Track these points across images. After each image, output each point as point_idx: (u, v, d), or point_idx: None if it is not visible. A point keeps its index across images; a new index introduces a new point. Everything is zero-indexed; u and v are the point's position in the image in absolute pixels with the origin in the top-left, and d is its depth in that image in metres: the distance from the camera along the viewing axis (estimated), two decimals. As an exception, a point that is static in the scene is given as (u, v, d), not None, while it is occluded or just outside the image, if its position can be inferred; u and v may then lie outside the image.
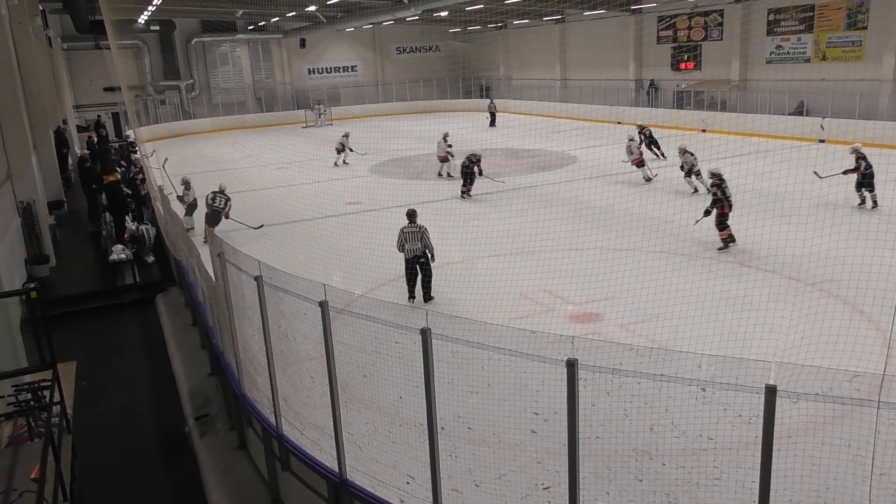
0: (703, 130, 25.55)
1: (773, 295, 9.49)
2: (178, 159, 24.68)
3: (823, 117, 22.99)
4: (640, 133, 20.97)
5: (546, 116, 35.08)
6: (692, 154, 16.12)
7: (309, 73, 43.75)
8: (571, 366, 3.85)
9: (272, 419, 6.17)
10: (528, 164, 22.40)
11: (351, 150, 23.47)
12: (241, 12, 35.37)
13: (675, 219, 13.31)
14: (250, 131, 35.99)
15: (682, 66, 31.52)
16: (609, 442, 5.97)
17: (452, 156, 19.90)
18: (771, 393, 3.41)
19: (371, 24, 37.72)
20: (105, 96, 37.18)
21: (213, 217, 14.30)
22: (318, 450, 5.65)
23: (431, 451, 4.66)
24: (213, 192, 14.51)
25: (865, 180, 13.68)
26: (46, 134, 20.85)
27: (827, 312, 8.14)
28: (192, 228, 14.79)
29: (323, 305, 5.08)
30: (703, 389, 4.71)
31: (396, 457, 5.54)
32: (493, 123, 33.47)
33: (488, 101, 35.72)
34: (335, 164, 23.42)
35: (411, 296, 10.09)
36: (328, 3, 29.66)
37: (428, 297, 10.05)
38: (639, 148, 19.05)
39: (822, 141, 21.91)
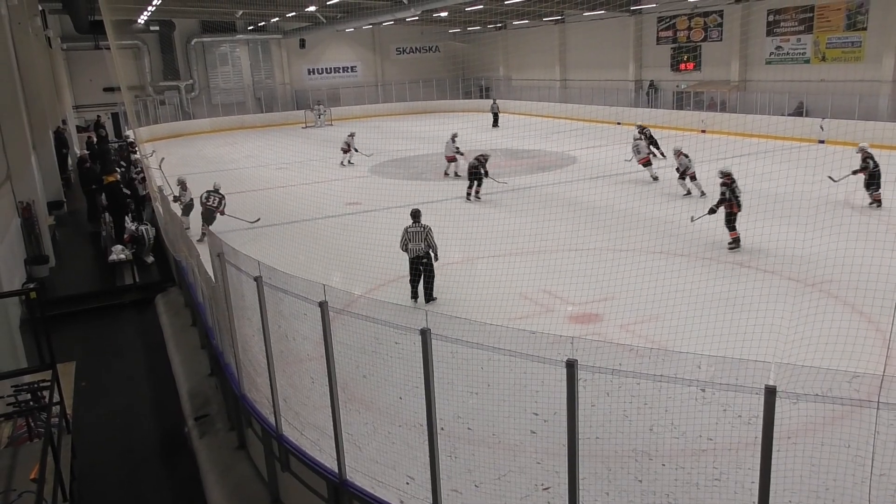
0: (703, 131, 25.55)
1: (772, 295, 9.50)
2: (178, 160, 24.68)
3: (823, 118, 22.99)
4: (640, 133, 20.97)
5: (546, 117, 35.08)
6: (687, 156, 16.08)
7: (309, 73, 43.75)
8: (571, 366, 3.85)
9: (272, 419, 6.17)
10: (528, 165, 22.40)
11: (356, 151, 23.48)
12: (240, 13, 35.38)
13: (674, 219, 13.31)
14: (250, 132, 35.97)
15: (682, 66, 31.53)
16: (609, 442, 5.97)
17: (462, 154, 19.86)
18: (770, 393, 3.41)
19: (371, 24, 37.73)
20: (105, 96, 37.17)
21: (208, 215, 14.35)
22: (318, 450, 5.64)
23: (431, 451, 4.66)
24: (206, 191, 14.57)
25: (873, 179, 13.72)
26: (46, 134, 20.84)
27: (826, 313, 8.13)
28: (188, 228, 14.80)
29: (323, 306, 5.08)
30: (703, 390, 4.71)
31: (396, 457, 5.55)
32: (495, 124, 33.48)
33: (491, 101, 35.72)
34: (342, 163, 23.44)
35: (414, 296, 10.09)
36: (328, 3, 29.65)
37: (429, 297, 10.03)
38: (647, 147, 18.99)
39: (822, 142, 21.92)
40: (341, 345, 5.37)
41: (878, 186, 13.79)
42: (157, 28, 37.99)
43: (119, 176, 18.66)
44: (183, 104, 39.32)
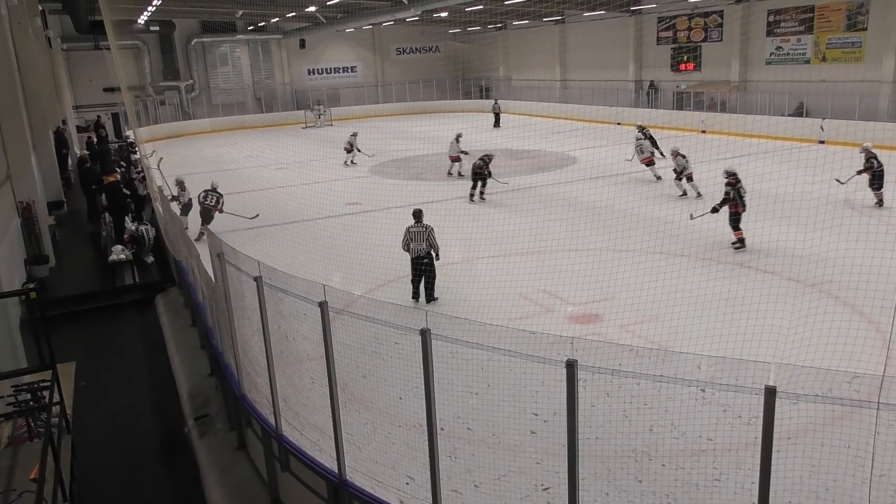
0: (703, 131, 25.56)
1: (772, 296, 9.50)
2: (178, 160, 24.68)
3: (823, 118, 23.00)
4: (641, 133, 20.96)
5: (546, 117, 35.09)
6: (684, 157, 16.07)
7: (309, 73, 43.76)
8: (571, 367, 3.85)
9: (272, 420, 6.16)
10: (528, 165, 22.41)
11: (359, 151, 23.49)
12: (240, 13, 35.39)
13: (674, 219, 13.31)
14: (250, 132, 35.98)
15: (682, 67, 31.54)
16: (608, 443, 5.97)
17: (467, 153, 19.85)
18: (770, 394, 3.41)
19: (371, 24, 37.75)
20: (105, 97, 37.17)
21: (206, 214, 14.37)
22: (318, 450, 5.64)
23: (431, 451, 4.66)
24: (204, 191, 14.64)
25: (877, 179, 13.74)
26: (46, 134, 20.84)
27: (827, 314, 8.13)
28: (187, 228, 14.80)
29: (322, 306, 5.08)
30: (703, 390, 4.71)
31: (396, 457, 5.55)
32: (497, 124, 33.48)
33: (492, 101, 35.72)
34: (345, 163, 23.44)
35: (415, 295, 10.10)
36: (328, 3, 29.66)
37: (430, 297, 10.04)
38: (650, 147, 18.97)
39: (822, 142, 21.93)
40: (341, 345, 5.37)
41: (881, 186, 13.80)
42: (157, 28, 37.99)
43: (119, 176, 18.67)
44: (183, 104, 39.32)
